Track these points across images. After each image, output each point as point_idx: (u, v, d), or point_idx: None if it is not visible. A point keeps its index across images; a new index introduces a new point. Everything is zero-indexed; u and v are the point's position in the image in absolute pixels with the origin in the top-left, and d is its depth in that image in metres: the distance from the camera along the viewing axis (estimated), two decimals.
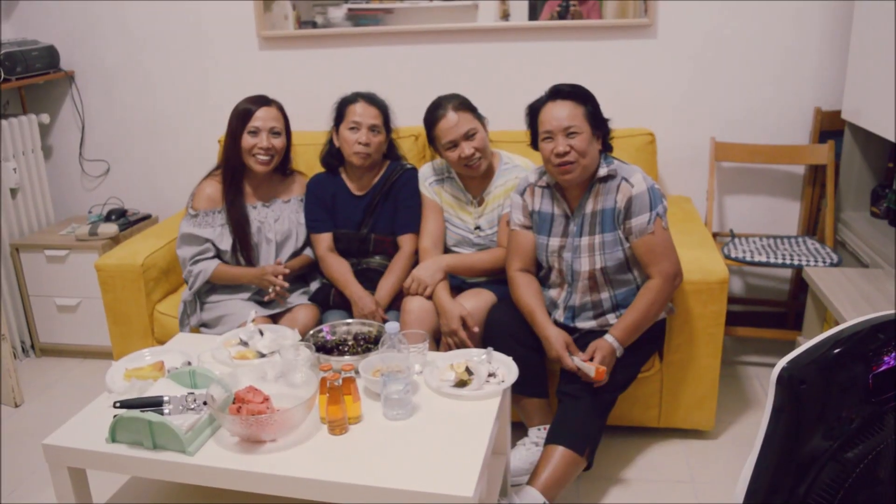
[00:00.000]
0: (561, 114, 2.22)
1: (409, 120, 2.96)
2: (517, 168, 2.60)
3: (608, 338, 2.21)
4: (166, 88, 3.46)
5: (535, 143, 2.33)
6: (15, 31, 3.44)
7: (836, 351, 1.18)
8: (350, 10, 3.20)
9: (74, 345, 3.35)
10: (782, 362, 1.16)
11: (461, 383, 1.94)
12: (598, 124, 2.26)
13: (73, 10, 3.40)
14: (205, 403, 1.81)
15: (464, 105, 2.50)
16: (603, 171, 2.26)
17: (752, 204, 3.23)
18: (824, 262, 2.75)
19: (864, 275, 2.51)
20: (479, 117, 2.52)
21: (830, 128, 3.05)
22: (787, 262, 2.78)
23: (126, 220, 3.34)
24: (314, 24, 3.24)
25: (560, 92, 2.25)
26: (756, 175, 3.19)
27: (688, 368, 2.48)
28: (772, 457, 1.16)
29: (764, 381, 2.94)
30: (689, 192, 3.20)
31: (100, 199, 3.62)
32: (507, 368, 2.03)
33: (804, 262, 2.75)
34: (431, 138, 2.55)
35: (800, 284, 3.26)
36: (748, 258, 2.82)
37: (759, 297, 3.36)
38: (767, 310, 3.35)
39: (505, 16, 3.12)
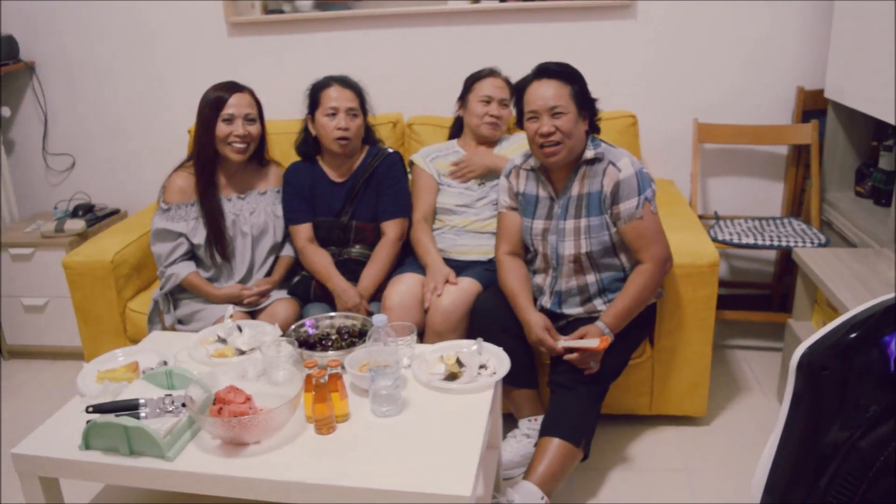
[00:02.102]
0: (546, 93, 2.15)
1: (386, 107, 2.89)
2: (519, 137, 2.67)
3: (599, 324, 2.15)
4: (132, 78, 3.33)
5: (520, 123, 2.27)
6: None
7: (853, 335, 1.13)
8: None
9: (43, 346, 3.23)
10: (802, 347, 1.10)
11: (452, 376, 1.87)
12: (586, 105, 2.20)
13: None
14: (183, 405, 1.72)
15: (508, 83, 2.65)
16: (590, 154, 2.20)
17: (735, 185, 3.19)
18: (812, 243, 2.71)
19: (853, 255, 2.48)
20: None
21: (813, 107, 3.01)
22: (775, 243, 2.74)
23: (94, 216, 3.21)
24: (281, 13, 3.14)
25: (546, 70, 2.18)
26: (739, 156, 3.15)
27: (679, 354, 2.43)
28: (792, 448, 1.10)
29: (753, 364, 2.91)
30: (672, 174, 3.15)
31: (65, 194, 3.49)
32: (498, 360, 1.96)
33: (792, 244, 2.71)
34: (468, 90, 2.70)
35: (785, 266, 3.24)
36: (735, 240, 2.78)
37: (742, 280, 3.33)
38: (752, 292, 3.32)
39: (476, 0, 3.05)
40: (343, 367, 1.82)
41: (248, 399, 1.71)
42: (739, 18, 2.95)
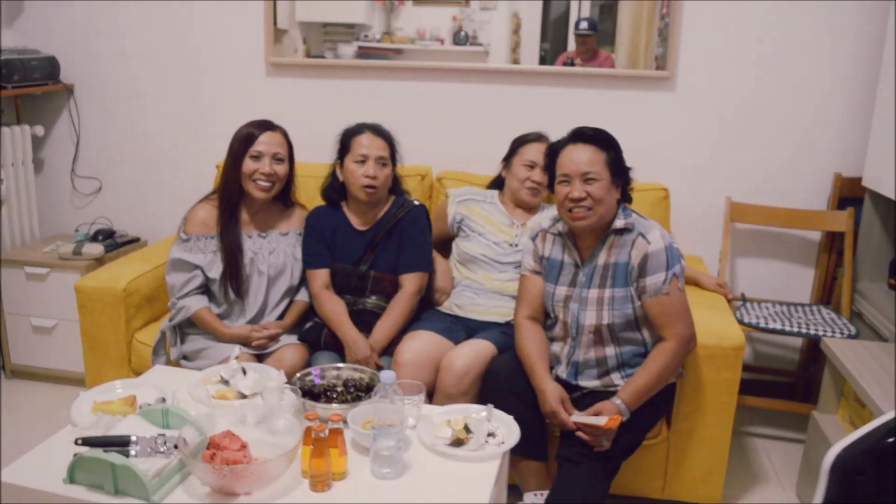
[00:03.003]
0: (581, 158, 2.11)
1: (415, 159, 2.86)
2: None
3: (615, 400, 2.06)
4: (166, 109, 3.35)
5: (551, 186, 2.22)
6: (17, 39, 3.33)
7: (892, 440, 1.05)
8: (361, 48, 3.12)
9: (48, 369, 3.18)
10: (836, 449, 1.02)
11: (458, 442, 1.79)
12: (619, 173, 2.15)
13: (78, 22, 3.31)
14: (175, 447, 1.65)
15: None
16: (619, 223, 2.14)
17: (764, 268, 3.11)
18: (841, 334, 2.61)
19: (885, 349, 2.38)
20: None
21: (850, 195, 2.94)
22: (803, 331, 2.64)
23: (113, 242, 3.20)
24: (322, 58, 3.16)
25: (582, 135, 2.14)
26: (770, 239, 3.07)
27: (696, 438, 2.32)
28: None
29: (772, 454, 2.78)
30: (700, 251, 3.07)
31: (88, 217, 3.49)
32: (507, 428, 1.88)
33: (821, 333, 2.62)
34: (513, 152, 2.67)
35: (810, 355, 3.13)
36: (762, 325, 2.69)
37: (766, 366, 3.21)
38: (774, 379, 3.21)
39: (515, 64, 3.05)
40: (345, 422, 1.75)
41: (244, 446, 1.64)
42: (780, 99, 2.91)
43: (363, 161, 2.44)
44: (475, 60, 3.06)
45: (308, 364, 2.37)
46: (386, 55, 3.11)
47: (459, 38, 3.07)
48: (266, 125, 2.42)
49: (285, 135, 2.46)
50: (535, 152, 2.58)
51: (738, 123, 2.97)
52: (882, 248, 2.88)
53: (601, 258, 2.16)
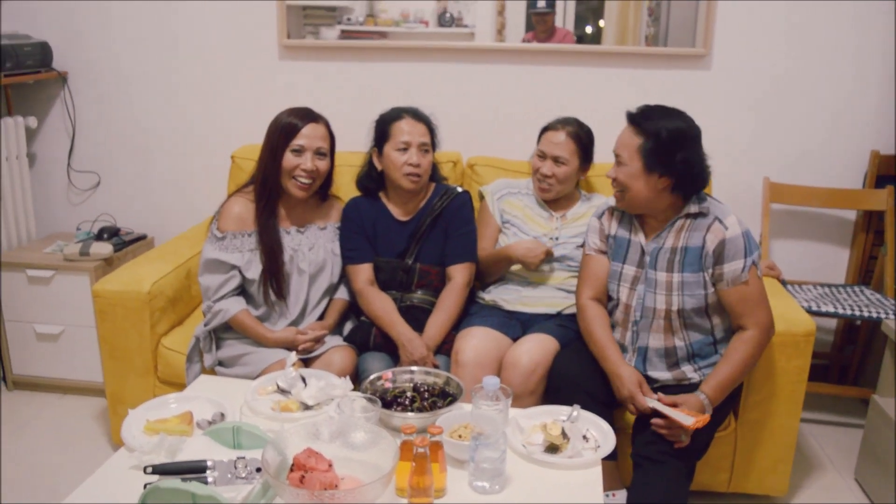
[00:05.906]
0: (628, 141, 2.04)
1: (449, 144, 2.71)
2: (600, 197, 2.54)
3: (700, 396, 1.96)
4: (171, 97, 3.14)
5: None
6: (5, 24, 3.07)
7: None
8: (344, 31, 2.95)
9: (54, 378, 2.96)
10: None
11: (552, 448, 1.67)
12: (657, 163, 2.03)
13: (72, 5, 3.07)
14: (257, 470, 1.50)
15: (576, 135, 2.41)
16: (693, 208, 2.04)
17: (798, 249, 3.04)
18: (895, 315, 2.55)
19: None
20: (586, 159, 2.45)
21: (887, 172, 2.89)
22: (856, 313, 2.58)
23: (120, 240, 2.98)
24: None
25: (631, 117, 2.06)
26: (806, 219, 3.01)
27: (765, 428, 2.24)
28: None
29: (821, 440, 2.72)
30: None
31: (87, 215, 3.27)
32: (598, 430, 1.76)
33: (874, 315, 2.55)
34: (538, 139, 2.48)
35: (847, 336, 3.08)
36: (813, 308, 2.62)
37: None
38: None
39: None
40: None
41: (331, 466, 1.49)
42: (816, 77, 2.84)
43: (405, 148, 2.29)
44: (460, 42, 2.94)
45: (356, 366, 2.23)
46: (370, 38, 2.96)
47: (444, 19, 2.94)
48: (309, 115, 2.24)
49: (328, 126, 2.29)
50: (546, 142, 2.42)
51: (774, 101, 2.88)
52: None
53: (668, 241, 2.06)
